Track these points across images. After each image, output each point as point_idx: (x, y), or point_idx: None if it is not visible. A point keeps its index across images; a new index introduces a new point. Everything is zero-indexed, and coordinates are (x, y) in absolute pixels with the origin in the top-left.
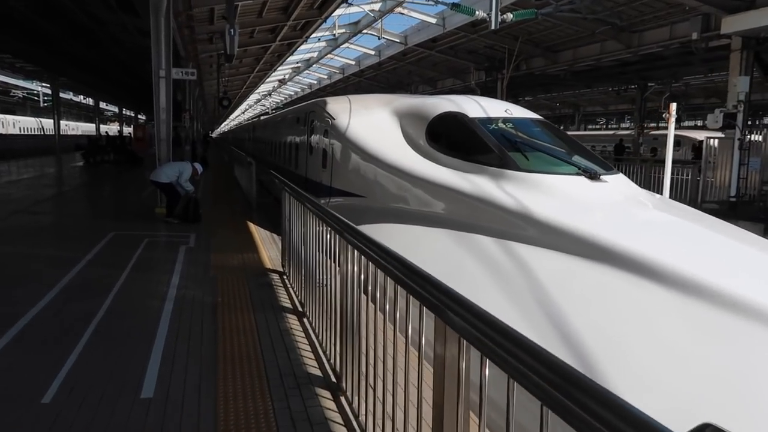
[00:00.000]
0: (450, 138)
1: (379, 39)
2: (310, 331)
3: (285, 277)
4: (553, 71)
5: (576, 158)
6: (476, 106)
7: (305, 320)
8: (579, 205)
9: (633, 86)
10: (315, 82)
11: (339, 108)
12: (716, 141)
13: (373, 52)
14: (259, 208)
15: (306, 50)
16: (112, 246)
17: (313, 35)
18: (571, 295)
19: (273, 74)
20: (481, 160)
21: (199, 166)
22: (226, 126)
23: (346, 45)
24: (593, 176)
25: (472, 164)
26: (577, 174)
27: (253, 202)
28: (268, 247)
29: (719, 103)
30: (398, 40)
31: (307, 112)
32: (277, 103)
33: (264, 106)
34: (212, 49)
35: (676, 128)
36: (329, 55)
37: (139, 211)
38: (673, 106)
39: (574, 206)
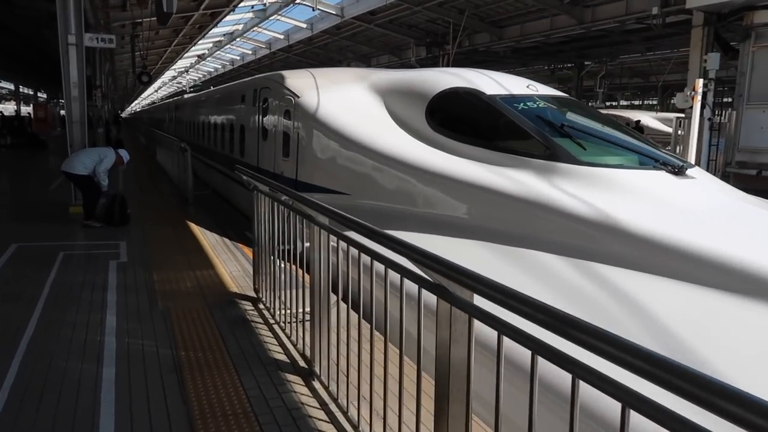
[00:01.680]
0: (463, 121)
1: (313, 10)
2: (331, 405)
3: (262, 306)
4: (498, 48)
5: (641, 147)
6: (489, 81)
7: (316, 384)
8: (685, 211)
9: (569, 65)
10: (238, 57)
11: (303, 83)
12: (685, 121)
13: (304, 26)
14: (197, 203)
15: (230, 22)
16: (15, 265)
17: (243, 4)
18: (733, 351)
19: (192, 49)
20: (517, 149)
21: (125, 153)
22: (138, 105)
23: (275, 17)
24: (678, 171)
25: (505, 155)
26: (655, 168)
27: (189, 196)
28: (224, 258)
29: (641, 83)
30: (334, 12)
31: (258, 88)
32: (195, 80)
33: (181, 83)
34: (126, 17)
35: (610, 108)
36: (255, 29)
37: (49, 211)
38: (700, 81)
39: (680, 213)
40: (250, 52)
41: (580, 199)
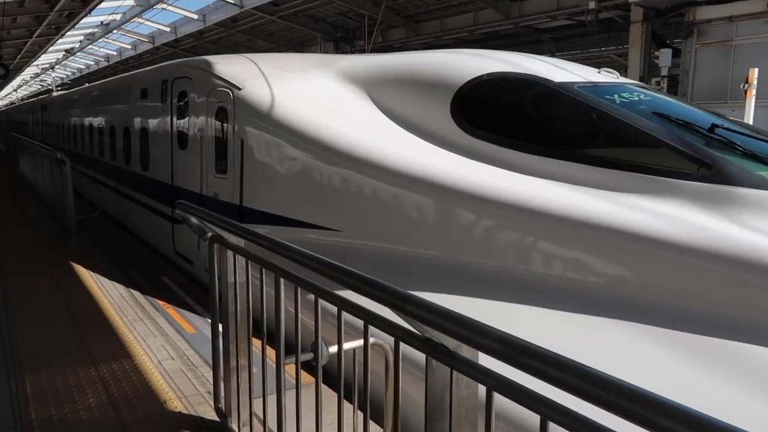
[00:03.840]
0: (525, 121)
1: None
2: None
3: None
4: (414, 44)
5: None
6: (542, 64)
7: None
8: None
9: None
10: (114, 53)
11: (243, 71)
12: None
13: (195, 17)
14: (82, 233)
15: (107, 10)
16: None
17: None
18: None
19: (59, 42)
20: (648, 165)
21: None
22: None
23: (160, 6)
24: None
25: (620, 174)
26: None
27: (71, 224)
28: (141, 332)
29: None
30: (232, 1)
31: (169, 79)
32: (63, 78)
33: (45, 81)
34: None
35: None
36: (136, 19)
37: None
38: (755, 71)
39: None
40: (129, 47)
41: None
